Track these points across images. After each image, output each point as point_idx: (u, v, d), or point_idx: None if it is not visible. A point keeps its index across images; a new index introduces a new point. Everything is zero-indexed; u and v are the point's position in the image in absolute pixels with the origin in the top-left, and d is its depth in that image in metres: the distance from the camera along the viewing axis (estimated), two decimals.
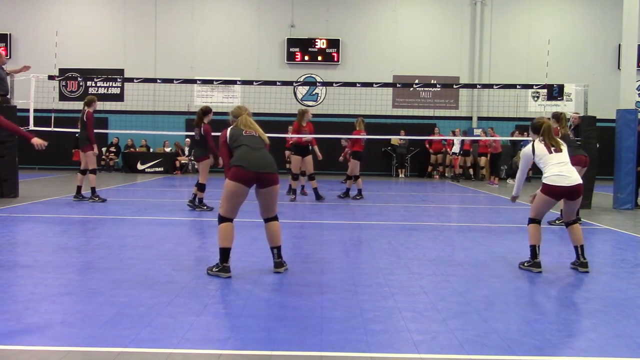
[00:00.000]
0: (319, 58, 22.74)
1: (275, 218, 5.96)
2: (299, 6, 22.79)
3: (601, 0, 22.50)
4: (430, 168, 21.96)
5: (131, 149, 22.32)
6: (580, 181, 6.23)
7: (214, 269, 5.66)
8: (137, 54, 22.67)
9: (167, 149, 22.25)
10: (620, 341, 4.05)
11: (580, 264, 6.27)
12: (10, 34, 22.86)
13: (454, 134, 21.17)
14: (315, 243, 7.68)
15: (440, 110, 22.88)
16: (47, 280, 5.36)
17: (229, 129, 6.03)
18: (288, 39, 22.74)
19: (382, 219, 10.43)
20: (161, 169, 21.46)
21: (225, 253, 5.64)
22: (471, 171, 21.11)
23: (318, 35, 22.75)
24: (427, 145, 21.62)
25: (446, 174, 21.58)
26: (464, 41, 22.89)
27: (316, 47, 22.69)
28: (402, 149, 22.20)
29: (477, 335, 4.06)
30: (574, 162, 9.60)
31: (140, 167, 21.49)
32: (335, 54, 22.68)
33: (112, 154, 22.30)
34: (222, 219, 5.68)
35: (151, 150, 22.40)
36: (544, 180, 6.21)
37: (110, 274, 5.63)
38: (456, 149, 21.66)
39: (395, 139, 21.03)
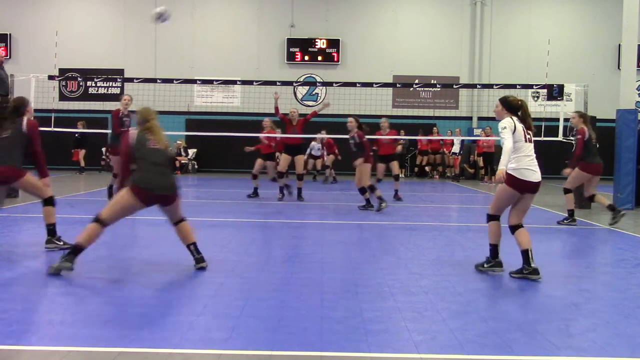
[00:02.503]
0: (319, 58, 22.73)
1: (183, 219, 5.95)
2: (299, 6, 22.79)
3: (601, 0, 22.49)
4: (429, 168, 21.96)
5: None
6: None
7: (62, 259, 5.42)
8: (137, 54, 22.66)
9: None
10: (620, 341, 4.05)
11: (531, 272, 5.67)
12: (10, 34, 22.85)
13: (452, 134, 21.19)
14: (315, 243, 7.68)
15: (440, 110, 22.87)
16: (47, 280, 5.36)
17: (135, 133, 5.79)
18: (288, 39, 22.74)
19: (382, 219, 10.42)
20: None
21: (80, 249, 5.47)
22: (472, 171, 21.13)
23: (318, 35, 22.75)
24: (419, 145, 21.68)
25: (447, 174, 21.58)
26: (464, 41, 22.89)
27: (316, 47, 22.69)
28: (402, 149, 22.18)
29: (477, 335, 4.06)
30: (592, 171, 9.69)
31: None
32: (335, 54, 22.68)
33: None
34: (99, 221, 5.54)
35: None
36: (513, 172, 5.68)
37: (110, 274, 5.63)
38: (456, 149, 21.68)
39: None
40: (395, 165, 13.09)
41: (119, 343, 3.75)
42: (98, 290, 5.07)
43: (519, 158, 5.69)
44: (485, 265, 5.96)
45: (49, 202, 6.80)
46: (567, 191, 9.94)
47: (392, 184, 13.22)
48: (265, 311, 4.54)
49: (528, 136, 5.79)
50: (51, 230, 6.81)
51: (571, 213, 9.80)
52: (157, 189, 5.58)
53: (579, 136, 9.70)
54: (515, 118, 5.81)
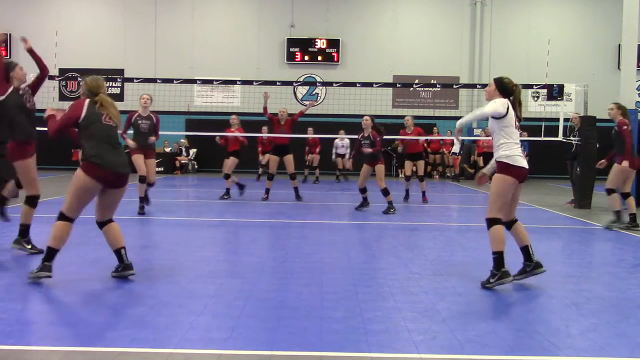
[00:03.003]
0: (319, 58, 22.73)
1: (112, 220, 5.55)
2: (299, 6, 22.79)
3: (601, 0, 22.49)
4: (429, 168, 21.96)
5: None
6: None
7: (35, 270, 5.22)
8: (137, 54, 22.67)
9: (167, 149, 22.25)
10: (620, 341, 4.05)
11: (534, 266, 5.47)
12: (10, 34, 22.83)
13: (452, 134, 21.18)
14: (315, 243, 7.68)
15: (440, 110, 22.87)
16: (46, 280, 5.36)
17: (86, 103, 5.31)
18: (288, 39, 22.74)
19: (382, 219, 10.42)
20: (161, 169, 21.44)
21: (53, 253, 5.23)
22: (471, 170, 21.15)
23: (318, 35, 22.75)
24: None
25: (447, 174, 21.58)
26: (464, 41, 22.89)
27: (316, 47, 22.69)
28: (402, 149, 22.19)
29: (477, 335, 4.06)
30: (637, 166, 9.17)
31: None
32: (335, 54, 22.68)
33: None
34: (63, 217, 5.33)
35: None
36: (508, 160, 5.24)
37: (110, 274, 5.63)
38: (456, 149, 21.68)
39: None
40: (421, 165, 12.97)
41: (119, 343, 3.75)
42: (98, 290, 5.07)
43: (510, 145, 5.28)
44: (492, 281, 5.29)
45: (30, 201, 6.65)
46: (610, 191, 9.29)
47: (418, 185, 13.07)
48: (265, 311, 4.54)
49: (518, 123, 5.43)
50: (23, 231, 6.63)
51: (626, 215, 9.26)
52: (115, 166, 5.20)
53: (624, 127, 9.17)
54: (507, 101, 5.40)
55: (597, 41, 22.53)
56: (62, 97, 22.37)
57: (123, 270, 5.42)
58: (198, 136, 19.67)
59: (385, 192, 10.72)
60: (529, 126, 20.54)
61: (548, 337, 4.06)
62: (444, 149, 21.71)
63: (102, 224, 5.49)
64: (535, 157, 21.42)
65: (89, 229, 8.34)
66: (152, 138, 9.97)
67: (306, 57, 22.73)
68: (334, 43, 22.66)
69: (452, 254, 7.20)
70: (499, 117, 5.31)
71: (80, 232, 8.11)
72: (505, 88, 5.50)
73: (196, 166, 22.16)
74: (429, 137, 21.26)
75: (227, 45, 22.71)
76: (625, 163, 9.19)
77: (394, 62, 22.64)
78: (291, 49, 22.73)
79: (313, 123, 20.89)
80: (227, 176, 12.73)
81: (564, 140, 13.07)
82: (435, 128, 21.68)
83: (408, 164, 13.04)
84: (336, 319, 4.34)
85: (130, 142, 9.88)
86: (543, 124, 14.55)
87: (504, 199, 5.28)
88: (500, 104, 5.32)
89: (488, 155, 19.69)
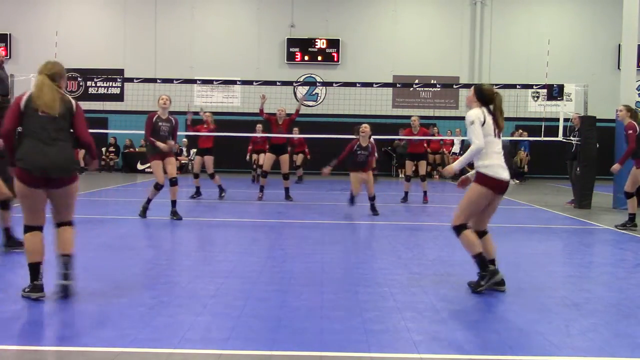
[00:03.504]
0: (319, 58, 22.73)
1: (71, 223, 5.00)
2: (299, 6, 22.79)
3: (601, 0, 22.50)
4: (429, 168, 21.96)
5: (130, 149, 22.32)
6: None
7: (25, 290, 4.76)
8: (137, 54, 22.67)
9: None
10: (620, 341, 4.05)
11: (499, 283, 5.23)
12: (10, 34, 22.85)
13: (452, 134, 21.21)
14: (315, 243, 7.68)
15: (440, 110, 22.87)
16: (46, 280, 5.35)
17: (28, 93, 4.74)
18: (288, 39, 22.75)
19: (382, 219, 10.41)
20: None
21: (34, 269, 4.74)
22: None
23: (318, 35, 22.75)
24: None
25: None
26: (464, 41, 22.89)
27: (316, 47, 22.69)
28: (402, 149, 22.19)
29: (477, 335, 4.06)
30: (638, 164, 9.13)
31: (140, 167, 21.48)
32: (335, 54, 22.68)
33: (112, 154, 22.30)
34: (27, 228, 4.84)
35: None
36: (486, 171, 5.07)
37: (110, 274, 5.63)
38: (456, 148, 21.68)
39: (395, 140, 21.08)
40: (422, 165, 12.89)
41: (119, 343, 3.75)
42: (98, 290, 5.07)
43: (490, 155, 5.11)
44: (483, 283, 5.12)
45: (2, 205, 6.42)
46: (629, 195, 9.32)
47: (419, 185, 12.99)
48: (265, 311, 4.54)
49: (497, 131, 5.24)
50: (6, 234, 6.59)
51: (632, 217, 9.24)
52: (42, 168, 4.57)
53: (630, 131, 9.18)
54: (485, 110, 5.22)
55: (597, 41, 22.54)
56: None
57: (63, 279, 4.78)
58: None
59: (373, 199, 10.50)
60: (529, 126, 20.60)
61: (548, 337, 4.06)
62: (444, 149, 21.71)
63: (57, 224, 4.97)
64: (535, 157, 21.46)
65: (87, 229, 8.35)
66: (171, 143, 9.53)
67: (306, 57, 22.73)
68: (334, 43, 22.66)
69: (452, 254, 7.19)
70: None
71: (78, 232, 8.11)
72: (484, 96, 5.28)
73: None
74: (430, 137, 21.29)
75: (227, 45, 22.72)
76: (615, 166, 9.51)
77: (394, 62, 22.64)
78: (291, 49, 22.73)
79: (313, 123, 20.89)
80: (212, 175, 12.72)
81: (564, 140, 13.06)
82: (435, 128, 21.69)
83: (409, 164, 13.01)
84: (336, 319, 4.34)
85: (162, 145, 9.38)
86: (543, 124, 14.54)
87: (474, 208, 5.12)
88: (476, 124, 5.10)
89: None
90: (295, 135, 17.57)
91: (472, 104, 5.28)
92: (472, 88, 5.43)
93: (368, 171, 10.47)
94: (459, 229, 5.12)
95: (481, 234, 5.31)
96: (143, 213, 9.57)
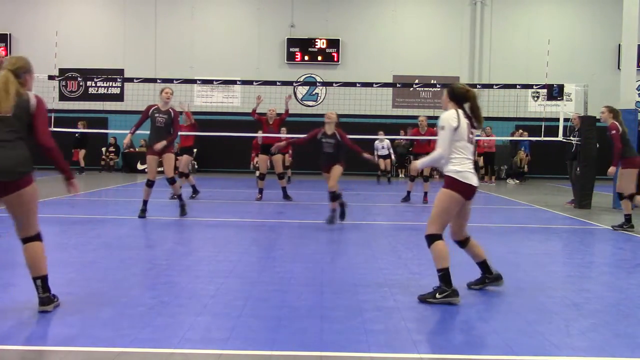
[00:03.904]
0: (319, 58, 22.73)
1: (36, 238, 4.42)
2: (299, 6, 22.79)
3: (601, 0, 22.50)
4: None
5: (130, 149, 22.32)
6: None
7: (40, 307, 4.36)
8: (137, 54, 22.67)
9: None
10: (620, 341, 4.05)
11: (495, 278, 5.27)
12: (10, 34, 22.86)
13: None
14: (315, 243, 7.68)
15: (440, 111, 22.69)
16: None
17: None
18: (288, 39, 22.75)
19: (382, 219, 10.42)
20: (161, 168, 21.43)
21: (40, 281, 4.36)
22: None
23: (318, 35, 22.75)
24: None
25: None
26: (464, 41, 22.89)
27: (316, 47, 22.69)
28: (402, 149, 22.20)
29: (477, 335, 4.06)
30: (629, 165, 9.10)
31: (140, 167, 21.47)
32: (335, 54, 22.68)
33: (112, 154, 22.30)
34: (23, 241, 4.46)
35: None
36: (457, 176, 4.88)
37: (110, 274, 5.63)
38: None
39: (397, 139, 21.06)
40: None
41: (119, 343, 3.75)
42: (98, 290, 5.07)
43: (462, 160, 4.92)
44: (439, 296, 4.83)
45: None
46: (627, 197, 9.19)
47: (421, 184, 13.02)
48: (265, 311, 4.54)
49: (471, 136, 5.04)
50: None
51: (629, 218, 9.18)
52: None
53: (613, 131, 9.17)
54: (461, 112, 5.05)
55: (597, 41, 22.54)
56: (62, 97, 22.38)
57: (40, 304, 4.35)
58: (198, 136, 19.66)
59: (334, 197, 9.13)
60: (529, 126, 20.60)
61: (548, 337, 4.06)
62: None
63: (22, 239, 4.46)
64: (535, 157, 21.46)
65: (87, 229, 8.36)
66: (163, 143, 9.44)
67: (306, 57, 22.73)
68: (334, 43, 22.66)
69: (451, 254, 7.17)
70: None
71: (78, 232, 8.13)
72: (457, 95, 5.14)
73: (196, 166, 22.14)
74: (431, 138, 21.28)
75: (227, 45, 22.72)
76: (611, 169, 9.41)
77: (394, 62, 22.64)
78: (291, 49, 22.73)
79: (313, 123, 20.88)
80: (185, 175, 12.66)
81: (564, 140, 13.07)
82: (435, 128, 21.69)
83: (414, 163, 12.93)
84: (336, 319, 4.34)
85: (126, 140, 9.74)
86: (543, 124, 14.55)
87: (447, 216, 4.97)
88: (447, 129, 4.95)
89: (488, 155, 19.72)
90: (283, 135, 17.57)
91: (447, 105, 5.17)
92: (446, 89, 5.32)
93: (335, 165, 9.25)
94: (431, 239, 4.93)
95: (465, 242, 5.28)
96: (142, 214, 9.56)
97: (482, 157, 20.29)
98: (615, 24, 18.11)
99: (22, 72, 4.43)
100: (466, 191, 4.93)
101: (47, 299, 4.38)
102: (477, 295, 5.15)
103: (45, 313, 4.34)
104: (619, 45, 16.74)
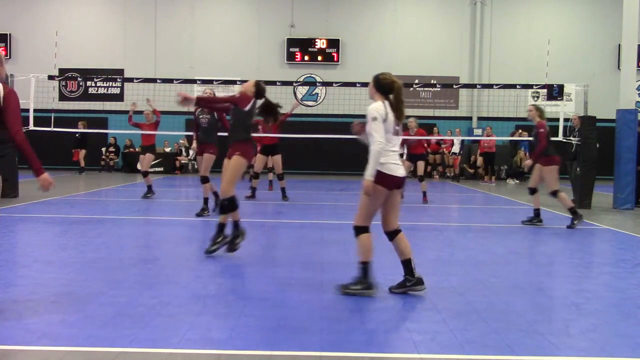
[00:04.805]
0: (319, 58, 22.73)
1: None
2: (299, 6, 22.79)
3: (601, 0, 22.49)
4: (429, 168, 21.96)
5: (130, 149, 22.31)
6: None
7: None
8: (137, 54, 22.67)
9: (167, 149, 22.25)
10: (620, 341, 4.05)
11: (416, 282, 5.08)
12: (10, 34, 22.85)
13: (452, 134, 21.23)
14: (315, 243, 7.68)
15: (440, 110, 22.87)
16: (47, 280, 5.36)
17: None
18: (288, 39, 22.74)
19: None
20: (161, 169, 21.45)
21: None
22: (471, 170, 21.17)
23: (318, 35, 22.75)
24: None
25: (447, 174, 21.58)
26: (464, 41, 22.89)
27: (316, 47, 22.69)
28: (402, 149, 22.23)
29: (477, 335, 4.06)
30: (558, 162, 9.62)
31: (140, 167, 21.47)
32: (335, 54, 22.68)
33: (112, 154, 22.30)
34: None
35: None
36: (380, 168, 4.87)
37: (110, 274, 5.63)
38: (456, 149, 21.69)
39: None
40: (421, 166, 12.89)
41: (119, 343, 3.75)
42: (98, 290, 5.06)
43: (386, 152, 4.89)
44: (353, 288, 4.96)
45: None
46: (554, 193, 9.56)
47: (418, 185, 13.00)
48: (265, 311, 4.54)
49: (397, 128, 5.02)
50: None
51: (574, 211, 9.42)
52: None
53: (541, 129, 9.51)
54: (387, 103, 5.00)
55: (597, 41, 22.53)
56: (62, 97, 22.38)
57: None
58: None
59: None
60: (529, 126, 20.59)
61: (548, 337, 4.06)
62: (444, 149, 21.71)
63: None
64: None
65: (87, 229, 8.36)
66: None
67: (306, 57, 22.73)
68: (334, 43, 22.66)
69: (452, 254, 7.19)
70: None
71: (78, 232, 8.13)
72: (382, 86, 5.04)
73: (196, 166, 22.14)
74: (431, 137, 21.30)
75: (227, 45, 22.72)
76: (528, 162, 9.94)
77: (394, 62, 22.59)
78: (291, 49, 22.73)
79: (313, 123, 20.90)
80: (145, 174, 12.52)
81: (564, 140, 13.07)
82: (435, 128, 21.69)
83: (408, 164, 12.92)
84: (336, 319, 4.34)
85: (194, 146, 10.09)
86: None
87: (372, 207, 5.01)
88: (379, 120, 4.87)
89: (488, 155, 19.72)
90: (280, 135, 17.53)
91: (374, 96, 5.07)
92: (372, 79, 5.20)
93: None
94: (358, 230, 5.04)
95: (394, 233, 5.22)
96: (201, 212, 9.83)
97: (482, 157, 20.31)
98: (615, 24, 18.10)
99: None
100: (389, 183, 4.93)
101: None
102: (477, 295, 5.14)
103: (45, 314, 4.34)
104: (619, 45, 16.73)
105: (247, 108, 6.56)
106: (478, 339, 3.99)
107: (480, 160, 20.55)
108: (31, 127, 13.11)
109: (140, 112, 13.45)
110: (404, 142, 12.87)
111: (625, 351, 3.85)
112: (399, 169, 4.98)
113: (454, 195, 15.99)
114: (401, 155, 12.92)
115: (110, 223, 9.23)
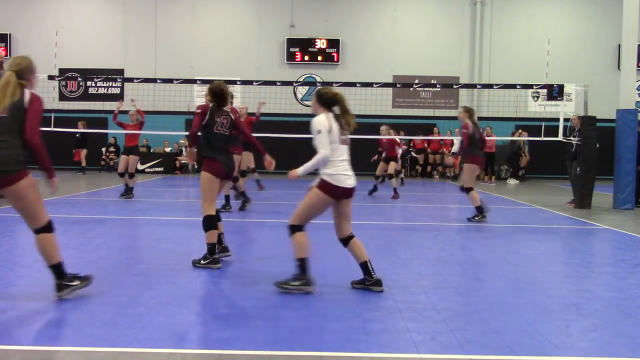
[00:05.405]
0: (319, 58, 22.73)
1: (44, 229, 4.61)
2: (299, 6, 22.79)
3: (601, 0, 22.49)
4: (429, 168, 21.97)
5: (139, 150, 22.30)
6: None
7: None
8: (137, 54, 22.66)
9: (167, 149, 22.25)
10: (620, 341, 4.05)
11: (374, 283, 5.20)
12: (10, 34, 22.85)
13: (452, 134, 21.23)
14: (315, 243, 7.66)
15: (440, 110, 22.86)
16: (47, 280, 5.35)
17: None
18: (288, 39, 22.74)
19: (382, 219, 10.42)
20: (161, 169, 21.46)
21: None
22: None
23: (318, 35, 22.75)
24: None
25: (447, 174, 21.58)
26: (464, 41, 22.88)
27: (316, 47, 22.69)
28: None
29: (477, 335, 4.06)
30: (479, 163, 10.14)
31: (140, 167, 21.46)
32: (335, 54, 22.68)
33: (112, 154, 22.29)
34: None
35: (151, 150, 22.40)
36: (328, 179, 5.00)
37: (110, 274, 5.63)
38: (456, 149, 21.69)
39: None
40: (392, 166, 13.78)
41: (119, 343, 3.75)
42: (98, 290, 5.06)
43: (334, 162, 5.03)
44: (293, 284, 5.09)
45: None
46: (468, 190, 9.97)
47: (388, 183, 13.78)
48: (265, 311, 4.54)
49: (343, 137, 5.13)
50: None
51: (480, 209, 9.86)
52: None
53: (464, 130, 9.97)
54: (331, 115, 5.13)
55: (597, 41, 22.53)
56: (62, 97, 22.38)
57: (57, 292, 4.62)
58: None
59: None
60: (529, 126, 20.60)
61: (548, 337, 4.06)
62: (444, 149, 21.70)
63: (34, 232, 4.68)
64: (535, 157, 21.45)
65: (87, 229, 8.36)
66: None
67: (306, 57, 22.72)
68: (334, 43, 22.65)
69: (452, 254, 7.19)
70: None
71: (78, 232, 8.13)
72: (325, 100, 5.19)
73: (196, 166, 22.15)
74: (430, 137, 21.31)
75: (227, 45, 22.71)
76: (450, 159, 10.36)
77: (394, 62, 22.63)
78: (291, 49, 22.72)
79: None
80: (131, 175, 12.35)
81: (564, 140, 13.07)
82: (435, 128, 21.69)
83: (382, 165, 14.00)
84: (336, 319, 4.34)
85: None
86: (543, 124, 14.55)
87: (312, 213, 5.13)
88: (324, 132, 5.01)
89: (488, 155, 19.70)
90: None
91: (318, 110, 5.19)
92: (314, 94, 5.34)
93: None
94: (292, 229, 5.11)
95: (347, 240, 5.29)
96: (243, 206, 10.49)
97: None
98: (615, 24, 18.11)
99: (25, 73, 4.57)
100: (336, 193, 5.03)
101: (60, 285, 4.62)
102: (477, 296, 5.15)
103: (45, 314, 4.33)
104: (619, 45, 16.74)
105: (205, 121, 6.23)
106: (478, 339, 3.99)
107: None
108: None
109: (126, 112, 13.40)
110: (380, 145, 14.19)
111: (625, 351, 3.86)
112: (348, 180, 5.06)
113: (454, 195, 15.98)
114: (380, 153, 14.41)
115: (110, 223, 9.23)
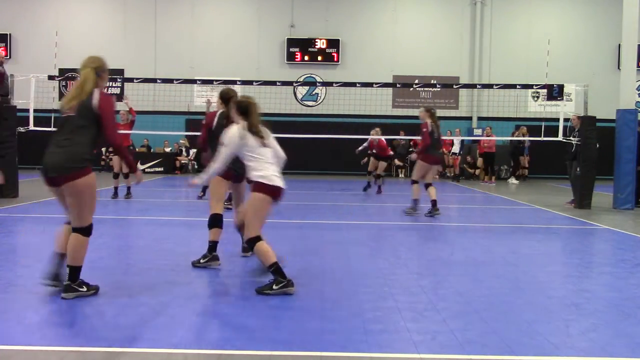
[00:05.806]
0: (319, 58, 22.73)
1: (82, 231, 4.65)
2: (299, 6, 22.79)
3: (601, 0, 22.50)
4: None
5: (130, 149, 22.31)
6: None
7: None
8: (137, 54, 22.66)
9: (167, 149, 22.25)
10: (620, 341, 4.05)
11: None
12: (10, 34, 22.86)
13: (452, 134, 21.23)
14: (316, 243, 7.68)
15: (440, 110, 22.80)
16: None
17: None
18: (288, 39, 22.74)
19: (382, 219, 10.42)
20: (161, 169, 21.46)
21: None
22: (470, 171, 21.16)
23: (318, 35, 22.75)
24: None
25: (447, 174, 21.58)
26: (464, 41, 22.89)
27: (316, 47, 22.69)
28: (402, 149, 22.21)
29: (477, 335, 4.06)
30: (432, 162, 10.53)
31: (140, 167, 21.49)
32: (335, 54, 22.68)
33: (112, 154, 22.29)
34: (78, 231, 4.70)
35: (151, 150, 22.41)
36: (264, 181, 5.09)
37: (110, 274, 5.63)
38: (456, 149, 21.68)
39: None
40: (382, 166, 14.87)
41: (119, 343, 3.75)
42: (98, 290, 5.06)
43: (263, 165, 5.16)
44: (275, 288, 5.04)
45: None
46: (413, 182, 10.68)
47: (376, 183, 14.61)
48: (265, 311, 4.54)
49: (265, 141, 5.23)
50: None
51: (415, 204, 10.52)
52: (45, 170, 4.61)
53: (424, 129, 10.48)
54: (246, 124, 5.25)
55: (597, 41, 22.54)
56: (62, 97, 22.36)
57: (64, 292, 4.69)
58: (198, 136, 19.60)
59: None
60: (529, 126, 20.59)
61: (548, 337, 4.06)
62: (444, 149, 21.69)
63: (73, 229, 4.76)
64: (536, 157, 21.46)
65: None
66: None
67: (306, 57, 22.73)
68: (334, 43, 22.66)
69: (452, 254, 7.19)
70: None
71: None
72: (242, 109, 5.31)
73: (196, 166, 22.16)
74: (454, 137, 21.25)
75: (227, 45, 22.72)
76: (413, 155, 11.22)
77: (394, 62, 22.64)
78: (291, 49, 22.73)
79: (313, 123, 20.91)
80: (125, 175, 12.38)
81: (564, 140, 13.06)
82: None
83: (374, 162, 14.86)
84: (336, 319, 4.34)
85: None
86: (543, 124, 14.54)
87: (261, 217, 5.18)
88: (229, 141, 5.19)
89: (488, 155, 19.71)
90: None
91: (237, 119, 5.34)
92: (232, 104, 5.51)
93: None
94: (253, 242, 5.11)
95: (243, 227, 5.36)
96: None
97: (482, 157, 20.30)
98: (615, 24, 18.11)
99: (100, 71, 4.77)
100: (274, 193, 5.16)
101: (68, 287, 4.65)
102: (477, 295, 5.15)
103: (45, 314, 4.33)
104: (619, 45, 16.73)
105: (214, 125, 6.30)
106: (478, 339, 3.99)
107: (480, 160, 20.54)
108: (31, 127, 13.12)
109: (117, 112, 13.36)
110: (372, 146, 14.83)
111: (625, 351, 3.86)
112: (279, 180, 5.21)
113: (454, 195, 15.98)
114: (369, 155, 15.02)
115: (110, 223, 9.23)
